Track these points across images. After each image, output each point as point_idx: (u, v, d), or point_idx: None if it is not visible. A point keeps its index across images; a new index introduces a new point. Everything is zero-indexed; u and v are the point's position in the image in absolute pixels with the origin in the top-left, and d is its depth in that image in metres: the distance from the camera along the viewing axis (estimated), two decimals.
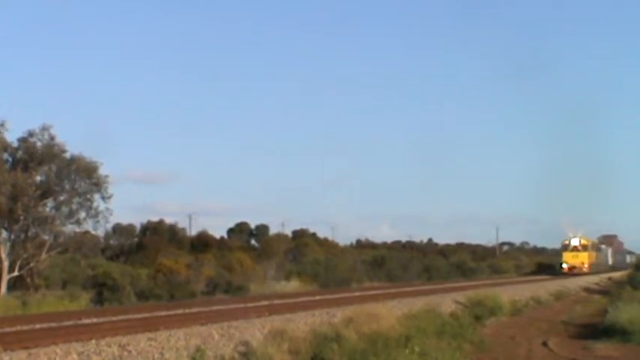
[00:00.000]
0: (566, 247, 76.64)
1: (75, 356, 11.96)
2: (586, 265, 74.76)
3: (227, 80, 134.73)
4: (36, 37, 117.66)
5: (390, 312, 20.07)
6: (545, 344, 20.37)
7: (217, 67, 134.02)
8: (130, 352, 12.70)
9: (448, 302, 28.51)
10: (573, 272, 72.11)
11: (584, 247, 76.13)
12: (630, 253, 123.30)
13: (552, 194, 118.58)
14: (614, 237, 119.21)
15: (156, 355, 12.91)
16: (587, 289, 51.86)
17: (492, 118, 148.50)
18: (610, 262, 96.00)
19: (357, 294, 32.78)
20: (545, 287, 44.01)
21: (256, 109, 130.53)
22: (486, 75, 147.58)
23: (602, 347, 19.23)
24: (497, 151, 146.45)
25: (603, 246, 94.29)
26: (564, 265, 74.56)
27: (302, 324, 17.91)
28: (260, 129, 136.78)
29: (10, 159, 32.63)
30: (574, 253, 74.89)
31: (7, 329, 16.21)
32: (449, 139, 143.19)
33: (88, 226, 34.10)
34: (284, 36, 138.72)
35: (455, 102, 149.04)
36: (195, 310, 22.47)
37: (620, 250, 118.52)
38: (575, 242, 75.86)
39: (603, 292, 47.05)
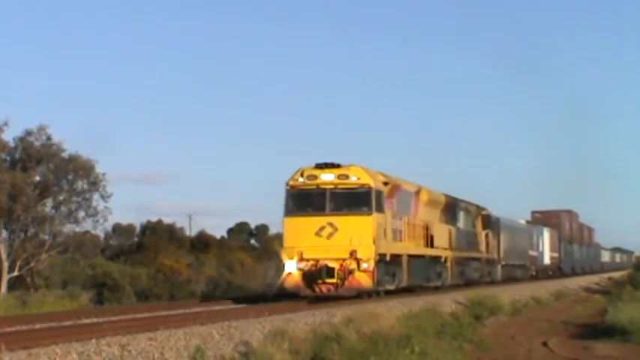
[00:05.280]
0: (299, 204, 23.32)
1: (75, 356, 11.93)
2: (368, 262, 22.55)
3: (227, 80, 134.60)
4: (35, 36, 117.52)
5: (390, 312, 20.06)
6: (545, 344, 20.33)
7: (217, 67, 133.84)
8: (130, 352, 12.68)
9: (448, 302, 28.45)
10: (318, 293, 22.93)
11: (365, 200, 22.93)
12: (626, 252, 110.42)
13: (553, 194, 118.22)
14: (563, 213, 65.72)
15: (156, 355, 12.88)
16: (588, 289, 51.82)
17: (492, 118, 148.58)
18: (546, 258, 55.79)
19: None
20: (545, 287, 43.97)
21: (256, 109, 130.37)
22: (487, 75, 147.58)
23: (602, 347, 19.20)
24: (497, 150, 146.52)
25: (528, 225, 53.81)
26: (287, 267, 22.74)
27: (302, 324, 17.86)
28: (259, 129, 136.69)
29: (9, 159, 32.66)
30: (325, 220, 22.70)
31: (7, 329, 16.19)
32: (449, 138, 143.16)
33: (88, 225, 34.22)
34: (284, 36, 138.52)
35: (455, 101, 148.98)
36: (195, 309, 22.45)
37: (581, 240, 72.70)
38: (327, 178, 22.71)
39: (603, 291, 47.00)
